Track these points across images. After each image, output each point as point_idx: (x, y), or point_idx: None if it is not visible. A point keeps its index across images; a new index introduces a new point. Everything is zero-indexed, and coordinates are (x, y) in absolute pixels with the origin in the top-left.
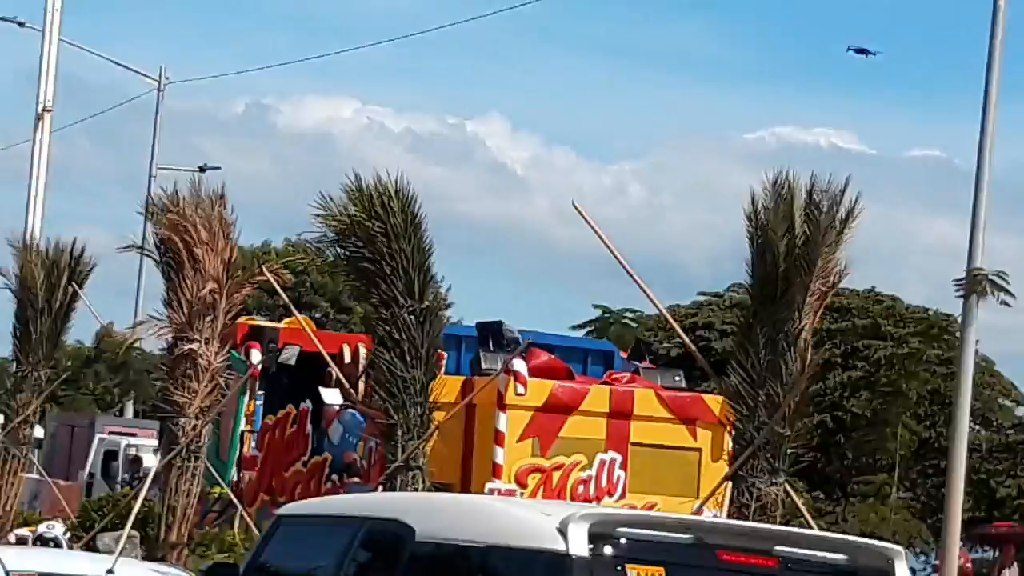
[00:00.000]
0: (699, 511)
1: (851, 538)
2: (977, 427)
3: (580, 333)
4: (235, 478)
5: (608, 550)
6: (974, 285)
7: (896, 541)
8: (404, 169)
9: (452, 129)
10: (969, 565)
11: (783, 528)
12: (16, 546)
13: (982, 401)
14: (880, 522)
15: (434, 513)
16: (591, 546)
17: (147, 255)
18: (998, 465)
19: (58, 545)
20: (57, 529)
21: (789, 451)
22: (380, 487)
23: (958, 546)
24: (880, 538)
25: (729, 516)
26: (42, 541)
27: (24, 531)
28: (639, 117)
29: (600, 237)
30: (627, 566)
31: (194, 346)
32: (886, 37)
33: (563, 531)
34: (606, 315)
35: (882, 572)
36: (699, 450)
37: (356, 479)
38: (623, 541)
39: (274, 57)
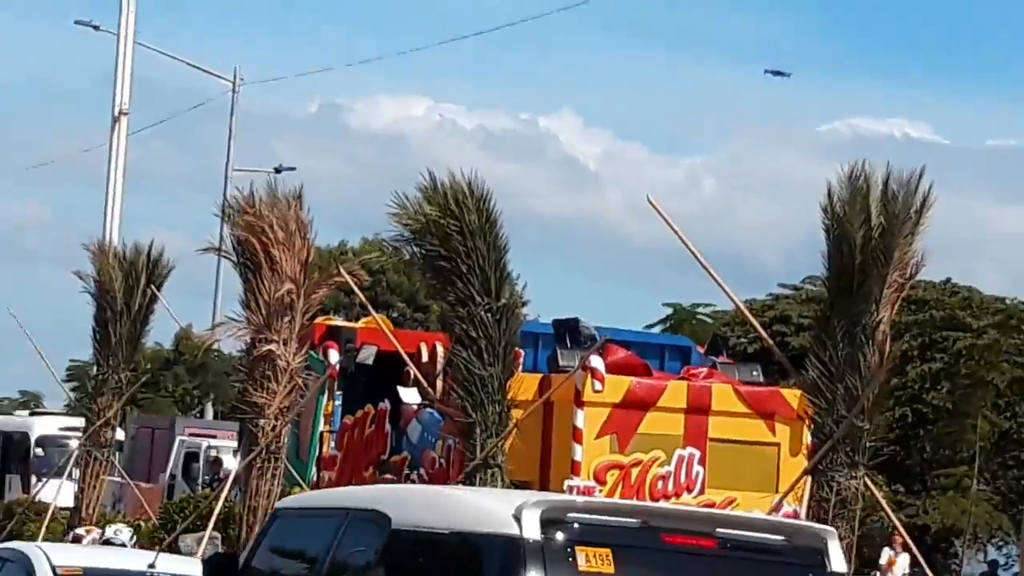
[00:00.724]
0: (779, 506)
1: (787, 520)
2: None
3: (654, 332)
4: (315, 478)
5: (559, 535)
6: None
7: (977, 534)
8: (476, 166)
9: (524, 125)
10: None
11: (724, 512)
12: (67, 543)
13: None
14: (960, 515)
15: (409, 503)
16: (543, 531)
17: (225, 257)
18: None
19: None
20: (124, 535)
21: (868, 444)
22: (459, 485)
23: None
24: (960, 531)
25: (808, 511)
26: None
27: (81, 530)
28: (711, 109)
29: (675, 232)
30: (576, 548)
31: (272, 347)
32: (958, 24)
33: (518, 517)
34: (677, 312)
35: (816, 551)
36: (778, 445)
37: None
38: (574, 526)
39: (346, 57)
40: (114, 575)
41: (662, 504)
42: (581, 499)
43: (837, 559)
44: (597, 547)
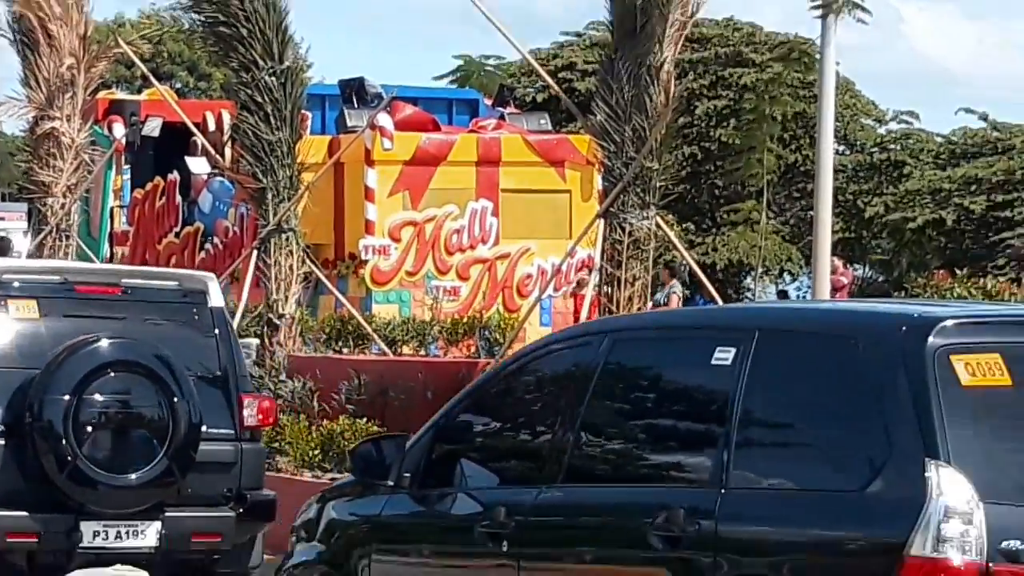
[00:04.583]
0: (573, 251)
1: (177, 270)
2: (842, 149)
3: (443, 84)
4: (108, 254)
5: None
6: (830, 4)
7: (768, 267)
8: None
9: None
10: (844, 280)
11: (127, 267)
12: None
13: (845, 122)
14: (751, 249)
15: None
16: None
17: (0, 35)
18: (864, 185)
19: None
20: None
21: (658, 185)
22: (254, 251)
23: (830, 267)
24: (752, 265)
25: (603, 253)
26: None
27: None
28: None
29: None
30: (9, 301)
31: (56, 124)
32: None
33: None
34: (468, 65)
35: (200, 292)
36: (568, 192)
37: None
38: (14, 284)
39: None
40: None
41: (79, 264)
42: (13, 263)
43: (215, 297)
44: (25, 299)
